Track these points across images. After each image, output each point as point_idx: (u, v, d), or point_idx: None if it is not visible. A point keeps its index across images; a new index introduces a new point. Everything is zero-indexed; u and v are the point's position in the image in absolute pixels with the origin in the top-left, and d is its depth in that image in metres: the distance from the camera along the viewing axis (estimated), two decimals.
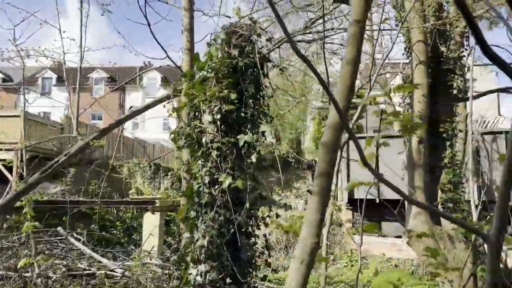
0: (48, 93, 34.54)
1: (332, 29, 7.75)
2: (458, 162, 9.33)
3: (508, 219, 1.31)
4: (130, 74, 37.64)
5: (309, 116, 20.44)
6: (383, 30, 9.47)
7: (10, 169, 11.89)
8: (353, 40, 2.64)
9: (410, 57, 8.94)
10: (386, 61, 14.95)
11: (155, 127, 27.22)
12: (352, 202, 14.19)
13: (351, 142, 14.50)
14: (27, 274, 6.51)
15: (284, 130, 20.24)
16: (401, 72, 13.53)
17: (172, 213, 12.52)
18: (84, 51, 5.99)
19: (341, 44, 11.09)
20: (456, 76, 9.17)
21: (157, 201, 10.65)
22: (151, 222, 10.33)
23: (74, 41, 6.82)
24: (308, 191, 2.66)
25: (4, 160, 12.55)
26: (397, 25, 9.38)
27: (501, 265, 10.84)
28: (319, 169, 2.59)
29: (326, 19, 8.72)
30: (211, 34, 7.77)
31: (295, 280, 2.39)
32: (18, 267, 6.41)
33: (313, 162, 20.50)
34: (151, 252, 8.55)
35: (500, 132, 13.34)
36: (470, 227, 1.32)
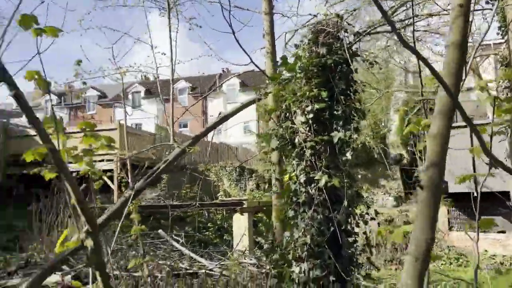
0: (138, 106, 37.21)
1: (417, 16, 7.39)
2: None
3: None
4: (210, 81, 39.28)
5: (392, 108, 19.64)
6: (475, 10, 8.81)
7: (109, 179, 12.86)
8: (456, 25, 2.53)
9: (506, 37, 8.26)
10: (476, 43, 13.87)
11: (237, 132, 28.38)
12: (447, 197, 13.33)
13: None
14: (136, 274, 7.05)
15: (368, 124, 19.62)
16: (494, 54, 12.50)
17: (259, 214, 12.76)
18: (175, 64, 6.34)
19: (425, 31, 10.54)
20: None
21: (244, 202, 10.91)
22: (240, 223, 10.63)
23: (165, 55, 7.20)
24: (419, 185, 2.61)
25: (111, 170, 13.48)
26: (487, 3, 8.71)
27: None
28: (428, 162, 2.51)
29: (407, 6, 8.35)
30: (286, 33, 7.86)
31: (412, 277, 2.34)
32: (128, 267, 6.94)
33: (400, 156, 19.65)
34: (245, 252, 8.82)
35: None
36: None
